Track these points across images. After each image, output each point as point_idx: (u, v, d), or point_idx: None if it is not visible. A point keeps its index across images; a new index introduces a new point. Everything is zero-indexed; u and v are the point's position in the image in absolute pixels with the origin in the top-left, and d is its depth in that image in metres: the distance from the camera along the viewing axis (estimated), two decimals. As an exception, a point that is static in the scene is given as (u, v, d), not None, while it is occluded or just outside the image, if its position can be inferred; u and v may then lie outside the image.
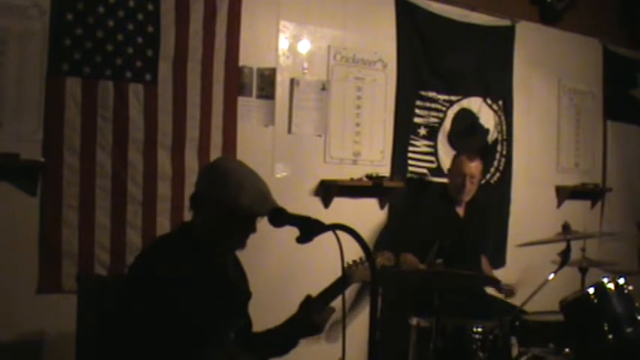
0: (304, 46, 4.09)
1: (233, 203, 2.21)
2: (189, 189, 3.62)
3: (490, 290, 4.11)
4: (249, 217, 2.25)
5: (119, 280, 2.53)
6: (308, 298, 2.49)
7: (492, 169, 4.92)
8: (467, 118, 4.80)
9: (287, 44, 4.02)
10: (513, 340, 3.37)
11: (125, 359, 2.16)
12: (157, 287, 2.13)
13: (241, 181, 2.23)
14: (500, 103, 4.98)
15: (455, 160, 4.22)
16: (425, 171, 4.59)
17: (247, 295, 2.50)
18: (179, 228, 2.42)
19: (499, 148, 4.98)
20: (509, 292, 4.00)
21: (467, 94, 4.79)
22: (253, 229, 2.29)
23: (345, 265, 2.40)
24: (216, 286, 2.30)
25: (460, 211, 4.18)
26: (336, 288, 2.47)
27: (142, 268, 2.25)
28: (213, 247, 2.31)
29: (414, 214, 4.25)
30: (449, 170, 4.28)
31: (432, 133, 4.63)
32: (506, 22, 4.99)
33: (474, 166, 4.11)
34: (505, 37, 5.01)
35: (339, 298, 2.43)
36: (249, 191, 2.22)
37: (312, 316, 2.44)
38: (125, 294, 2.22)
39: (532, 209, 5.12)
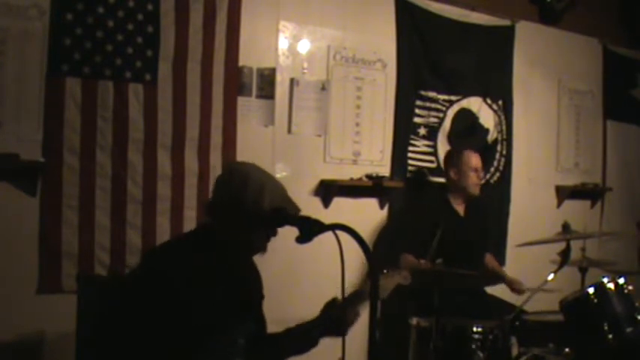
0: (304, 46, 4.09)
1: (254, 208, 2.17)
2: (189, 189, 3.63)
3: (490, 290, 4.11)
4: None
5: (127, 279, 2.52)
6: (333, 300, 2.46)
7: (492, 169, 4.92)
8: (467, 118, 4.80)
9: (287, 44, 4.03)
10: (513, 340, 3.37)
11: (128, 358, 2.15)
12: (166, 288, 2.12)
13: (265, 185, 2.21)
14: (500, 103, 4.98)
15: (461, 156, 4.12)
16: (424, 170, 4.59)
17: (260, 297, 2.49)
18: (193, 231, 2.41)
19: (499, 148, 4.98)
20: (518, 289, 3.96)
21: (467, 94, 4.79)
22: (275, 233, 2.27)
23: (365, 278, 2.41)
24: (228, 290, 2.28)
25: (460, 210, 4.17)
26: (354, 298, 2.47)
27: (153, 269, 2.23)
28: (234, 251, 2.29)
29: (413, 214, 4.24)
30: (453, 166, 4.13)
31: (432, 133, 4.63)
32: (506, 22, 4.99)
33: (479, 159, 4.13)
34: (505, 37, 5.00)
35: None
36: (276, 193, 2.21)
37: (334, 315, 2.40)
38: (134, 293, 2.20)
39: (532, 209, 5.12)
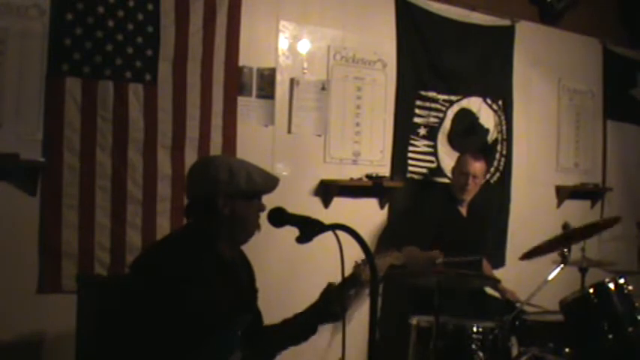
0: (304, 46, 4.09)
1: (248, 187, 2.25)
2: (189, 189, 3.62)
3: (491, 290, 4.11)
4: (259, 195, 2.31)
5: (123, 280, 2.52)
6: (329, 286, 2.46)
7: (492, 169, 4.92)
8: (467, 118, 4.80)
9: (287, 44, 4.02)
10: (513, 340, 3.37)
11: (130, 357, 2.15)
12: (165, 287, 2.12)
13: (243, 166, 2.29)
14: (500, 103, 4.98)
15: (460, 159, 4.23)
16: (425, 171, 4.59)
17: (255, 291, 2.50)
18: (184, 229, 2.42)
19: (499, 148, 4.98)
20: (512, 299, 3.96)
21: (467, 94, 4.79)
22: (264, 207, 2.30)
23: (357, 263, 2.40)
24: (225, 284, 2.29)
25: (463, 210, 4.18)
26: (349, 284, 2.46)
27: (149, 267, 2.22)
28: (234, 241, 2.33)
29: (417, 213, 4.24)
30: (453, 168, 4.27)
31: (432, 133, 4.63)
32: (506, 22, 4.99)
33: (478, 166, 4.12)
34: (505, 37, 5.00)
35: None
36: (254, 171, 2.29)
37: (330, 305, 2.40)
38: (131, 294, 2.19)
39: (532, 209, 5.12)
